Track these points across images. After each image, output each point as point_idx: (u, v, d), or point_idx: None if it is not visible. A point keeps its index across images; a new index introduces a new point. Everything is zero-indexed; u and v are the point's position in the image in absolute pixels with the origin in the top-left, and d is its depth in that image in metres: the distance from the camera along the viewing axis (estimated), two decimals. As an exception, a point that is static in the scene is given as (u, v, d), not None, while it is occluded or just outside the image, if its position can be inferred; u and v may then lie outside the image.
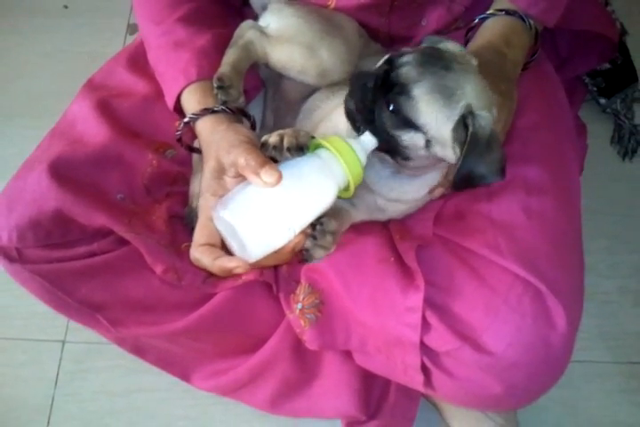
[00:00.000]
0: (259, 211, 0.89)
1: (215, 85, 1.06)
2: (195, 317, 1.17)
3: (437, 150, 0.93)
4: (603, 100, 1.79)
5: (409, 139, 0.92)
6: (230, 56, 1.10)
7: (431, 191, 1.08)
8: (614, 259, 1.67)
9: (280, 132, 0.93)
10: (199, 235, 0.98)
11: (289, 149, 0.90)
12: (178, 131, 1.11)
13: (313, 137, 0.95)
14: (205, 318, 1.17)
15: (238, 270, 0.91)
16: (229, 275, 0.94)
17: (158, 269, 1.11)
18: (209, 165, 0.99)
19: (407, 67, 0.91)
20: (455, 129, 0.90)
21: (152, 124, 1.21)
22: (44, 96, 2.03)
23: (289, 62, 1.13)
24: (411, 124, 0.91)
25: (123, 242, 1.14)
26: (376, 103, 0.92)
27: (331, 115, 1.10)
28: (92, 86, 1.27)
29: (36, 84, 2.09)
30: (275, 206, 0.89)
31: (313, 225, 0.94)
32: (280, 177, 0.87)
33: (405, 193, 1.07)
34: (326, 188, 0.91)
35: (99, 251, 1.15)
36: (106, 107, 1.20)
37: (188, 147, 1.15)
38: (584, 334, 1.49)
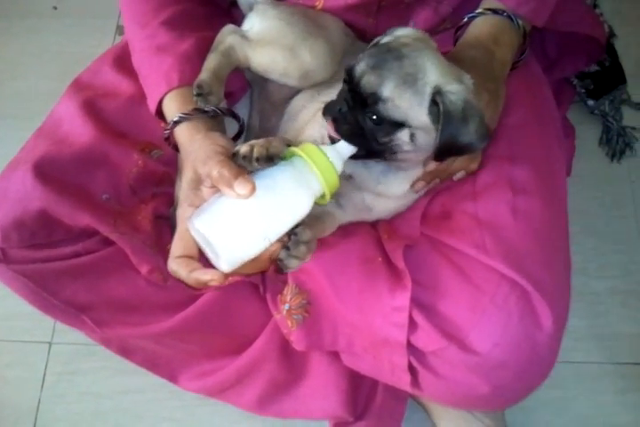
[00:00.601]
0: (232, 221, 0.89)
1: (194, 92, 1.06)
2: (180, 317, 1.17)
3: (421, 139, 0.95)
4: (591, 102, 1.79)
5: (396, 139, 0.94)
6: (211, 62, 1.10)
7: (413, 185, 1.07)
8: (603, 259, 1.66)
9: (252, 142, 0.92)
10: (176, 246, 0.97)
11: (258, 160, 0.89)
12: (166, 130, 1.10)
13: (289, 145, 0.94)
14: (191, 319, 1.17)
15: (213, 283, 0.90)
16: (205, 287, 0.93)
17: (144, 269, 1.11)
18: (186, 176, 0.98)
19: (365, 75, 0.92)
20: (430, 111, 0.92)
21: (138, 124, 1.20)
22: (33, 97, 2.02)
23: (271, 65, 1.12)
24: (395, 124, 0.93)
25: (108, 242, 1.13)
26: (359, 123, 0.93)
27: (318, 115, 1.10)
28: (78, 86, 1.26)
29: (25, 84, 2.08)
30: (248, 217, 0.89)
31: (288, 235, 0.93)
32: (253, 189, 0.87)
33: (390, 186, 1.07)
34: (301, 197, 0.91)
35: (84, 251, 1.14)
36: (92, 107, 1.20)
37: (176, 146, 1.15)
38: (574, 335, 1.52)
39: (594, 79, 1.76)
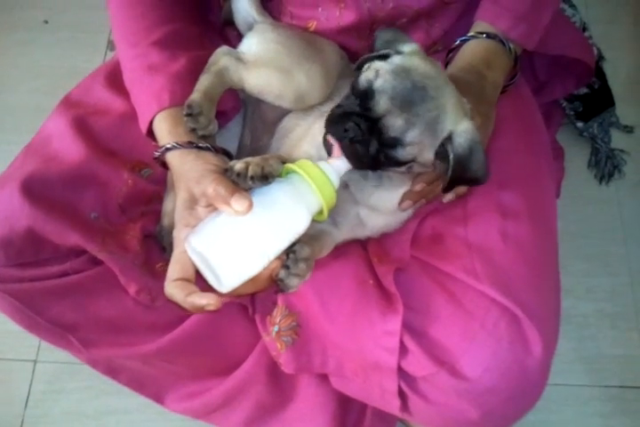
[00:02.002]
0: (231, 239, 0.88)
1: (184, 112, 1.04)
2: (168, 338, 1.16)
3: (418, 168, 0.98)
4: (580, 124, 1.81)
5: (395, 169, 0.97)
6: (203, 82, 1.09)
7: (400, 203, 1.08)
8: (592, 282, 1.67)
9: (248, 159, 0.92)
10: (172, 269, 0.95)
11: (252, 178, 0.89)
12: (157, 153, 1.09)
13: (284, 162, 0.94)
14: (179, 340, 1.16)
15: (209, 308, 0.89)
16: (202, 311, 0.92)
17: (132, 289, 1.10)
18: (180, 197, 0.97)
19: (391, 116, 0.92)
20: (437, 152, 0.95)
21: (129, 142, 1.19)
22: (23, 111, 2.02)
23: (266, 87, 1.12)
24: (403, 163, 0.96)
25: (96, 261, 1.12)
26: (369, 151, 0.94)
27: (311, 131, 1.10)
28: (68, 103, 1.25)
29: (15, 98, 2.08)
30: (247, 234, 0.88)
31: (286, 253, 0.93)
32: (251, 205, 0.87)
33: (383, 199, 1.07)
34: (299, 213, 0.91)
35: (71, 270, 1.13)
36: (82, 124, 1.19)
37: (164, 164, 1.14)
38: (561, 358, 1.51)
39: (583, 102, 1.77)
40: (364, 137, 0.93)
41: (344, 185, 1.03)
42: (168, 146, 1.05)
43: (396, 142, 0.93)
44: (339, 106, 0.98)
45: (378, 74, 0.94)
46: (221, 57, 1.13)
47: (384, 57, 0.98)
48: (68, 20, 2.21)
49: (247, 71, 1.12)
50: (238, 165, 0.91)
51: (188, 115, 1.04)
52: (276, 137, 1.20)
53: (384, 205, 1.08)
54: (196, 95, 1.06)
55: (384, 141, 0.93)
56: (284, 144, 1.16)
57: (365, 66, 0.99)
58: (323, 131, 0.99)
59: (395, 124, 0.92)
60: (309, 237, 0.99)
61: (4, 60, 2.16)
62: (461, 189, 1.11)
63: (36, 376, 1.59)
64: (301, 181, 0.91)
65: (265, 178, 0.90)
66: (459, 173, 0.96)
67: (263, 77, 1.12)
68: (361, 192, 1.06)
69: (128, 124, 1.19)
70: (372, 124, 0.93)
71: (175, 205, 1.02)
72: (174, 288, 0.93)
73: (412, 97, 0.92)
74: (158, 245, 1.16)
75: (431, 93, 0.92)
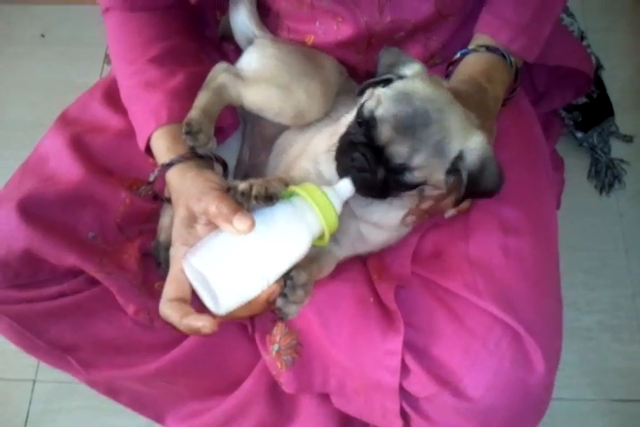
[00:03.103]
0: (231, 259, 0.87)
1: (184, 130, 1.03)
2: (168, 359, 1.15)
3: (429, 190, 0.99)
4: (579, 134, 1.80)
5: (409, 193, 0.98)
6: (201, 100, 1.08)
7: (404, 219, 1.07)
8: (593, 294, 1.67)
9: (251, 180, 0.91)
10: (169, 288, 0.94)
11: (256, 198, 0.88)
12: (157, 171, 1.08)
13: (287, 185, 0.93)
14: (179, 360, 1.15)
15: (205, 330, 0.88)
16: (197, 334, 0.90)
17: (130, 309, 1.09)
18: (179, 214, 0.96)
19: (394, 144, 0.92)
20: (448, 171, 0.95)
21: (126, 160, 1.19)
22: (20, 126, 2.02)
23: (265, 104, 1.11)
24: (413, 186, 0.96)
25: (94, 282, 1.11)
26: (377, 179, 0.94)
27: (309, 147, 1.09)
28: (65, 120, 1.25)
29: (12, 112, 2.08)
30: (247, 254, 0.87)
31: (283, 280, 0.91)
32: (253, 224, 0.85)
33: (386, 215, 1.06)
34: (300, 236, 0.90)
35: (69, 291, 1.12)
36: (79, 143, 1.18)
37: (155, 196, 1.14)
38: (565, 371, 1.50)
39: (582, 111, 1.77)
40: (370, 166, 0.93)
41: (344, 203, 1.03)
42: (168, 161, 1.04)
43: (404, 168, 0.93)
44: (346, 134, 0.98)
45: (379, 102, 0.94)
46: (220, 73, 1.12)
47: (386, 81, 0.98)
48: (65, 34, 2.21)
49: (246, 88, 1.11)
50: (242, 185, 0.90)
51: (187, 132, 1.03)
52: (273, 153, 1.19)
53: (388, 221, 1.08)
54: (194, 113, 1.06)
55: (391, 169, 0.93)
56: (281, 160, 1.16)
57: (367, 92, 0.98)
58: (321, 147, 0.98)
59: (400, 151, 0.92)
60: (308, 259, 0.97)
61: (2, 74, 2.16)
62: (464, 204, 1.11)
63: (35, 396, 1.58)
64: (304, 204, 0.90)
65: (269, 198, 0.89)
66: (472, 188, 0.96)
67: (262, 94, 1.11)
68: (363, 209, 1.05)
69: (125, 141, 1.18)
70: (378, 153, 0.93)
71: (172, 221, 1.02)
72: (170, 309, 0.92)
73: (413, 123, 0.92)
74: (155, 262, 1.15)
75: (433, 117, 0.92)
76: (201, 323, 0.88)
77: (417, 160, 0.92)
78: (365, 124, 0.94)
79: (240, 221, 0.85)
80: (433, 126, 0.92)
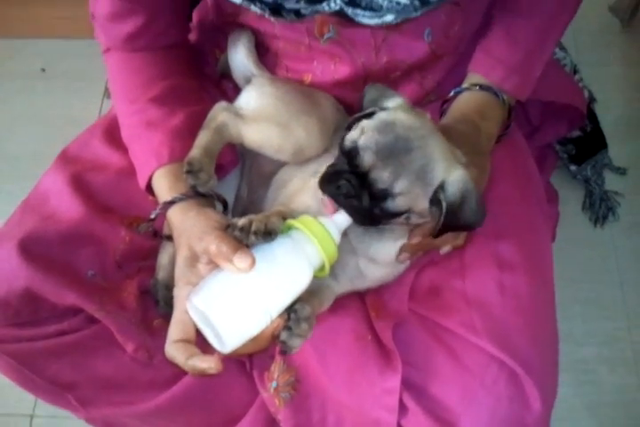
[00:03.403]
0: (233, 297, 0.88)
1: (185, 169, 1.04)
2: (166, 396, 1.15)
3: (415, 218, 0.98)
4: (573, 167, 1.82)
5: (394, 220, 0.97)
6: (202, 139, 1.10)
7: (398, 256, 1.08)
8: (589, 326, 1.67)
9: (250, 216, 0.93)
10: (173, 329, 0.95)
11: (255, 233, 0.89)
12: (159, 209, 1.09)
13: (285, 218, 0.95)
14: (177, 398, 1.15)
15: (211, 371, 0.89)
16: (203, 375, 0.91)
17: (129, 347, 1.10)
18: (181, 254, 0.97)
19: (376, 170, 0.93)
20: (431, 201, 0.95)
21: (126, 197, 1.20)
22: (20, 159, 2.03)
23: (266, 142, 1.13)
24: (398, 214, 0.96)
25: (93, 320, 1.12)
26: (363, 206, 0.95)
27: (310, 183, 1.10)
28: (66, 158, 1.26)
29: (12, 146, 2.09)
30: (249, 292, 0.88)
31: (287, 313, 0.92)
32: (253, 262, 0.86)
33: (380, 249, 1.07)
34: (301, 269, 0.91)
35: (69, 329, 1.13)
36: (80, 181, 1.19)
37: (155, 233, 1.14)
38: (563, 404, 1.49)
39: (576, 144, 1.78)
40: (356, 192, 0.94)
41: (343, 234, 1.04)
42: (169, 199, 1.05)
43: (386, 194, 0.93)
44: (332, 165, 0.99)
45: (362, 131, 0.96)
46: (220, 113, 1.14)
47: (370, 115, 0.99)
48: (66, 68, 2.23)
49: (246, 126, 1.13)
50: (241, 221, 0.91)
51: (189, 171, 1.04)
52: (272, 188, 1.20)
53: (383, 256, 1.08)
54: (195, 151, 1.07)
55: (375, 195, 0.94)
56: (280, 195, 1.17)
57: (354, 126, 1.00)
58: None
59: (382, 176, 0.93)
60: (309, 293, 0.98)
61: (2, 108, 2.18)
62: (459, 241, 1.12)
63: (33, 431, 1.57)
64: (303, 238, 0.91)
65: (268, 234, 0.90)
66: (451, 220, 0.96)
67: (262, 132, 1.13)
68: (361, 243, 1.06)
69: (125, 179, 1.19)
70: (362, 180, 0.94)
71: (171, 259, 1.03)
72: (175, 350, 0.93)
73: (395, 149, 0.93)
74: (153, 300, 1.16)
75: (415, 144, 0.93)
76: (206, 364, 0.89)
77: (399, 186, 0.93)
78: (348, 153, 0.96)
79: (240, 260, 0.86)
80: (415, 152, 0.93)
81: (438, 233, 0.99)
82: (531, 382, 1.00)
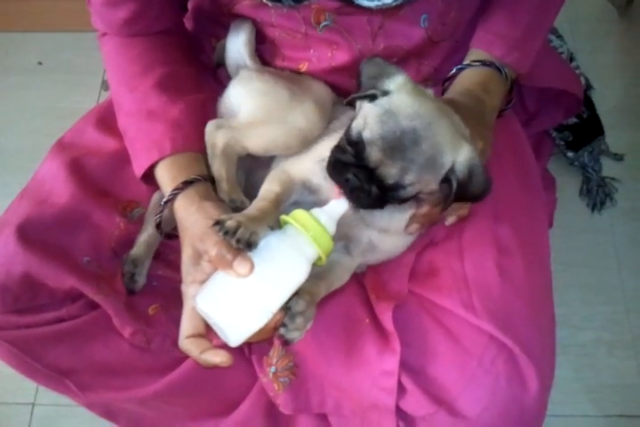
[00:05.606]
0: (233, 298, 0.92)
1: (231, 206, 1.05)
2: (165, 381, 1.15)
3: (424, 196, 1.01)
4: (570, 154, 1.82)
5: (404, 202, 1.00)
6: (219, 171, 1.09)
7: (407, 227, 1.08)
8: (587, 311, 1.68)
9: (242, 216, 0.94)
10: (185, 325, 0.99)
11: (238, 241, 0.90)
12: (160, 213, 1.10)
13: (272, 228, 0.96)
14: (176, 383, 1.16)
15: (223, 365, 0.94)
16: (216, 367, 0.96)
17: (127, 331, 1.11)
18: (186, 253, 1.00)
19: (383, 166, 0.94)
20: (441, 182, 0.97)
21: (120, 181, 1.21)
22: (18, 152, 2.03)
23: (271, 145, 1.13)
24: (408, 199, 0.99)
25: (91, 306, 1.13)
26: (372, 195, 0.96)
27: (314, 148, 1.12)
28: (61, 146, 1.26)
29: (10, 140, 2.09)
30: (249, 292, 0.91)
31: (283, 309, 0.94)
32: (252, 267, 0.89)
33: (391, 219, 1.07)
34: (298, 265, 0.93)
35: (67, 316, 1.13)
36: (75, 165, 1.20)
37: (164, 232, 1.15)
38: (561, 388, 1.51)
39: (573, 131, 1.79)
40: (364, 187, 0.96)
41: (354, 209, 1.03)
42: (166, 199, 1.07)
43: (397, 186, 0.95)
44: (338, 150, 0.99)
45: (366, 122, 0.95)
46: (217, 135, 1.12)
47: (371, 97, 0.99)
48: (62, 62, 2.24)
49: (247, 139, 1.12)
50: (229, 222, 0.92)
51: (234, 209, 1.04)
52: (273, 166, 1.19)
53: (395, 225, 1.09)
54: (224, 186, 1.08)
55: (384, 188, 0.95)
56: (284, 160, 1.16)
57: (357, 104, 1.00)
58: (327, 149, 1.01)
59: (390, 172, 0.94)
60: (316, 277, 1.00)
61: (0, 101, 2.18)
62: (464, 211, 1.13)
63: (35, 420, 1.58)
64: (297, 233, 0.93)
65: (248, 245, 0.91)
66: (460, 194, 0.97)
67: (264, 137, 1.13)
68: (372, 216, 1.06)
69: (120, 163, 1.20)
70: (370, 174, 0.95)
71: (147, 238, 1.15)
72: (189, 344, 0.97)
73: (402, 144, 0.93)
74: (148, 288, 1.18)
75: (422, 134, 0.93)
76: (219, 359, 0.95)
77: (409, 179, 0.94)
78: (354, 145, 0.96)
79: (240, 266, 0.90)
80: (423, 144, 0.93)
81: (445, 206, 1.01)
82: (529, 362, 1.00)
